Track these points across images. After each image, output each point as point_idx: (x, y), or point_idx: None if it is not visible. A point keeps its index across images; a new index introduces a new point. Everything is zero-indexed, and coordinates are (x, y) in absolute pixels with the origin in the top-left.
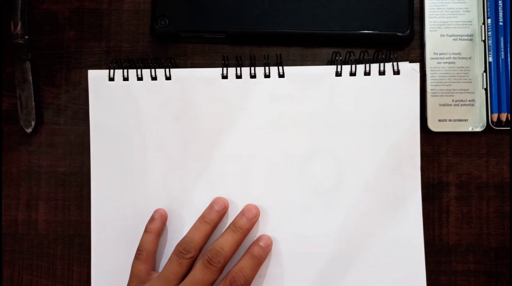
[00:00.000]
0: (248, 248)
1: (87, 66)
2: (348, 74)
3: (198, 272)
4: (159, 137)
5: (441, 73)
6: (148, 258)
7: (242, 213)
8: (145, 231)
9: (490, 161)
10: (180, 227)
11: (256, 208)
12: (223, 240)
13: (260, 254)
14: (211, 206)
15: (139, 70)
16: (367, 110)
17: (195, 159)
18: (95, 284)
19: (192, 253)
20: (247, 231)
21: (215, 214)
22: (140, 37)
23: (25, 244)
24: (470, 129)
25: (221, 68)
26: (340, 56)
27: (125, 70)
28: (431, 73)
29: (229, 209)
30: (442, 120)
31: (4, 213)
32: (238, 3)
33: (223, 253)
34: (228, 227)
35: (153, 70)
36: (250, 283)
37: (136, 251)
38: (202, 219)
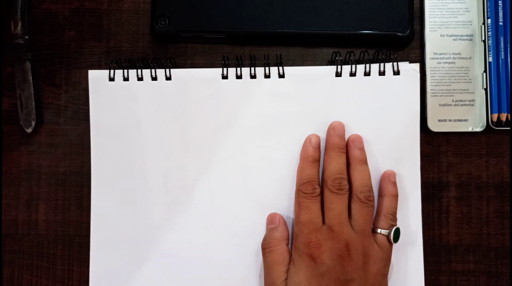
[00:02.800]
0: (382, 191)
1: (87, 66)
2: (348, 75)
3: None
4: (159, 137)
5: (441, 73)
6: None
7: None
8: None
9: (490, 161)
10: (180, 227)
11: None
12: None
13: (396, 189)
14: (332, 134)
15: (139, 70)
16: (367, 110)
17: (195, 159)
18: (94, 284)
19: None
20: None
21: (338, 139)
22: (140, 37)
23: (25, 244)
24: (470, 129)
25: (221, 68)
26: (340, 56)
27: (125, 70)
28: (431, 73)
29: (230, 215)
30: (442, 120)
31: (4, 213)
32: (238, 3)
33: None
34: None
35: (153, 70)
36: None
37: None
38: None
